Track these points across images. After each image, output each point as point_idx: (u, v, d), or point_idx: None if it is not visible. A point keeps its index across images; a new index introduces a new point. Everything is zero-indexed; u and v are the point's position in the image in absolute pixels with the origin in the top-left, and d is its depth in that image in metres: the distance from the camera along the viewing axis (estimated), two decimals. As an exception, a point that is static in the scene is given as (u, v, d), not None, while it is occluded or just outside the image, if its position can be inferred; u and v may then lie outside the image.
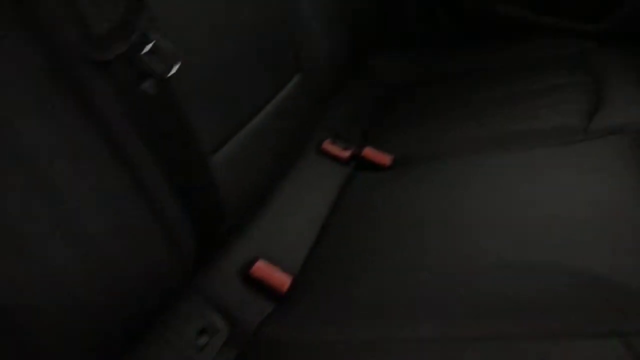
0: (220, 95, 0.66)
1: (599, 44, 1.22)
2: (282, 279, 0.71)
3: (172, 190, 0.57)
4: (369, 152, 1.02)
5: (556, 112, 0.97)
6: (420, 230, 0.76)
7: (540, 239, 0.67)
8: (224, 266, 0.72)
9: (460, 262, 0.68)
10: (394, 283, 0.68)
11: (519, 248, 0.67)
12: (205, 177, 0.62)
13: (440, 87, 1.27)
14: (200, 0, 0.63)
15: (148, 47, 0.50)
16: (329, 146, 1.04)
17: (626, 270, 0.60)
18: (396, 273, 0.70)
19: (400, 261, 0.72)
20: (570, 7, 1.28)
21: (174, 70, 0.52)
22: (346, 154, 1.03)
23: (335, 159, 1.02)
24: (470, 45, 1.40)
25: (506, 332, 0.57)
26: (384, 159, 1.00)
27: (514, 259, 0.66)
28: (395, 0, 1.44)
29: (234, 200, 0.68)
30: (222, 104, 0.66)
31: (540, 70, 1.15)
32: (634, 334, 0.52)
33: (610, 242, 0.65)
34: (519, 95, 1.08)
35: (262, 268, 0.72)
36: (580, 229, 0.67)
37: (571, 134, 0.90)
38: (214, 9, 0.66)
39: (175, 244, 0.59)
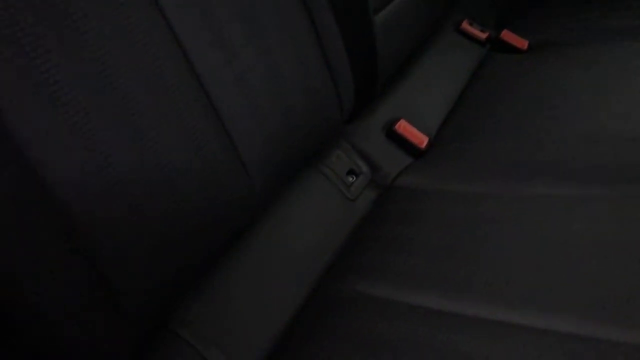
0: None
1: None
2: (421, 137, 0.80)
3: (341, 41, 0.65)
4: (507, 35, 1.03)
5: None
6: (550, 106, 0.81)
7: None
8: (370, 121, 0.81)
9: (584, 133, 0.73)
10: (520, 147, 0.74)
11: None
12: (369, 33, 0.69)
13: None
14: None
15: None
16: (467, 27, 1.07)
17: None
18: (524, 139, 0.76)
19: (528, 129, 0.77)
20: None
21: None
22: (484, 35, 1.05)
23: (472, 39, 1.05)
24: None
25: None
26: (522, 42, 1.02)
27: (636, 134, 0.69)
28: None
29: (387, 60, 0.75)
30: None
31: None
32: None
33: None
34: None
35: (404, 126, 0.80)
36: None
37: None
38: None
39: (339, 92, 0.68)
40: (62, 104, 0.39)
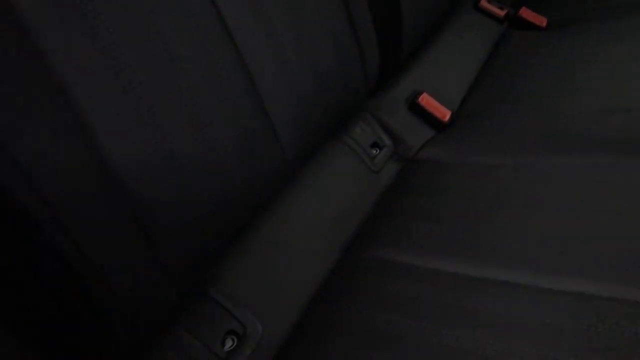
0: None
1: None
2: (443, 111, 0.81)
3: (369, 10, 0.66)
4: (526, 12, 1.04)
5: None
6: (569, 81, 0.81)
7: None
8: (393, 95, 0.82)
9: (603, 106, 0.74)
10: (540, 121, 0.75)
11: None
12: (396, 4, 0.70)
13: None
14: None
15: None
16: (486, 4, 1.07)
17: None
18: (544, 112, 0.76)
19: (548, 103, 0.78)
20: None
21: None
22: (502, 12, 1.06)
23: (491, 16, 1.06)
24: None
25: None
26: (541, 19, 1.02)
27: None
28: None
29: (411, 32, 0.76)
30: None
31: None
32: None
33: None
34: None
35: (427, 99, 0.82)
36: None
37: None
38: None
39: (364, 62, 0.69)
40: (132, 89, 0.41)
